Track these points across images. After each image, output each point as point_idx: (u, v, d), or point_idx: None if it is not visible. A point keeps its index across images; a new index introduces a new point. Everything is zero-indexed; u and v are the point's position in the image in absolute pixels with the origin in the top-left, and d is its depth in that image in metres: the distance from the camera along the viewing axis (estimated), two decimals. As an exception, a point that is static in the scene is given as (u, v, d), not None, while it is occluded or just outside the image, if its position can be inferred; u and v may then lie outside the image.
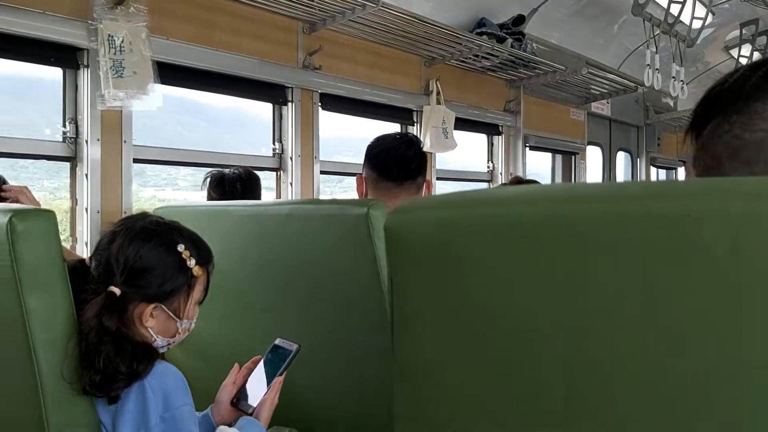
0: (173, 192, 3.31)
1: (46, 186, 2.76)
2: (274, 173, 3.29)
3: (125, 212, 2.56)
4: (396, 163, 2.20)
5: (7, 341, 1.21)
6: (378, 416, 1.78)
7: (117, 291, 1.26)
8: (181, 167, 3.25)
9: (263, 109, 3.40)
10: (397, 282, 0.70)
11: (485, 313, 0.60)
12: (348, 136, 4.07)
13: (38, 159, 2.53)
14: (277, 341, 1.56)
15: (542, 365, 0.58)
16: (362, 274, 1.76)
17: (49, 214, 1.24)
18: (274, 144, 3.28)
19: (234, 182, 2.64)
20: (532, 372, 0.59)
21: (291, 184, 3.24)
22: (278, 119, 3.28)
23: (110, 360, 1.20)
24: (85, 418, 1.22)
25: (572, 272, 0.55)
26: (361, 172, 2.25)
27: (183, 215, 1.48)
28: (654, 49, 4.75)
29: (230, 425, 1.50)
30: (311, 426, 1.76)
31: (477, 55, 3.97)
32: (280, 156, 3.27)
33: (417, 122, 3.99)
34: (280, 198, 3.26)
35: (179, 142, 2.92)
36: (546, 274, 0.56)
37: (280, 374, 1.49)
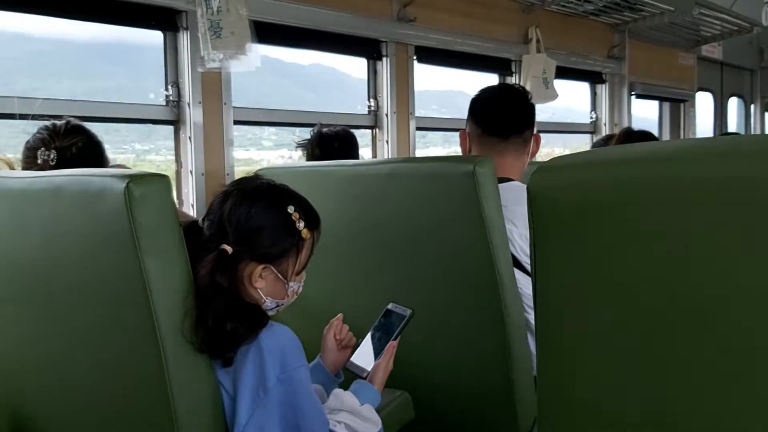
0: (258, 152, 3.33)
1: (137, 149, 2.84)
2: (369, 131, 3.25)
3: (227, 174, 2.60)
4: (500, 116, 2.10)
5: (129, 303, 1.23)
6: (491, 379, 1.74)
7: (229, 249, 1.27)
8: (266, 127, 3.26)
9: (349, 67, 3.37)
10: (542, 249, 0.64)
11: (652, 285, 0.53)
12: (443, 90, 3.97)
13: (143, 123, 2.59)
14: (390, 306, 1.55)
15: (713, 338, 0.51)
16: (469, 234, 1.71)
17: (164, 179, 1.25)
18: (368, 101, 3.23)
19: (331, 141, 2.62)
20: (701, 346, 0.52)
21: (387, 141, 3.19)
22: (372, 75, 3.23)
23: (220, 317, 1.21)
24: (205, 377, 1.24)
25: (754, 236, 0.47)
26: (464, 127, 2.18)
27: (283, 176, 1.47)
28: (773, -15, 4.35)
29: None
30: (421, 389, 1.74)
31: (579, -1, 3.76)
32: (375, 113, 3.23)
33: (516, 72, 3.83)
34: (376, 156, 3.22)
35: (263, 103, 2.91)
36: (728, 240, 0.48)
37: (394, 339, 1.48)
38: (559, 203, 0.59)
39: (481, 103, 2.13)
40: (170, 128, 2.61)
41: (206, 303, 1.22)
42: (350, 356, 1.51)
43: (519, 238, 1.89)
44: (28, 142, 1.87)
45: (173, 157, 2.68)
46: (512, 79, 3.84)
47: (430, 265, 1.80)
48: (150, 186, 1.20)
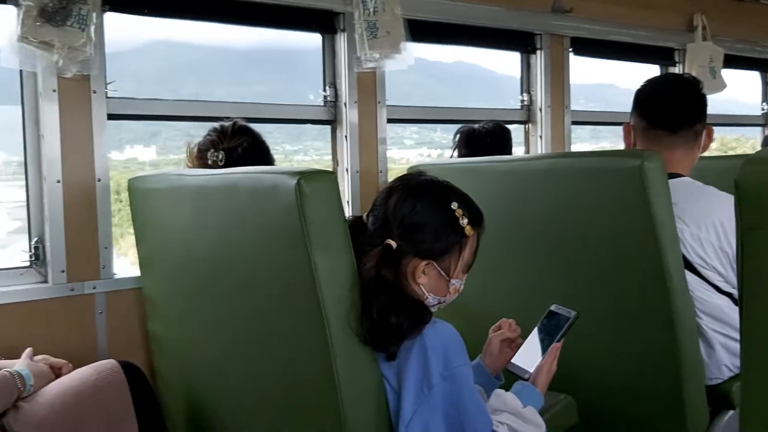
0: (399, 151, 3.34)
1: (287, 149, 2.94)
2: (522, 126, 3.18)
3: (381, 172, 2.64)
4: (668, 108, 1.97)
5: (298, 294, 1.28)
6: (659, 385, 1.64)
7: (393, 244, 1.29)
8: (408, 126, 3.26)
9: (492, 63, 3.30)
10: (750, 245, 0.58)
11: None
12: (591, 84, 3.79)
13: (303, 123, 2.70)
14: (553, 307, 1.50)
15: None
16: (636, 233, 1.62)
17: (332, 176, 1.29)
18: (521, 95, 3.15)
19: (483, 137, 2.59)
20: None
21: (540, 137, 3.11)
22: (525, 69, 3.15)
23: (385, 311, 1.23)
24: (370, 369, 1.27)
25: None
26: (626, 121, 2.07)
27: (435, 173, 1.46)
28: None
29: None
30: (585, 393, 1.67)
31: (750, -20, 3.45)
32: (528, 107, 3.15)
33: (680, 62, 3.59)
34: (528, 152, 3.14)
35: (406, 103, 2.92)
36: None
37: (558, 341, 1.43)
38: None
39: (647, 93, 2.00)
40: (318, 129, 2.70)
41: (371, 296, 1.24)
42: (512, 357, 1.48)
43: (690, 239, 1.77)
44: (197, 143, 2.00)
45: (319, 158, 2.78)
46: (676, 70, 3.60)
47: (592, 266, 1.73)
48: (319, 182, 1.25)
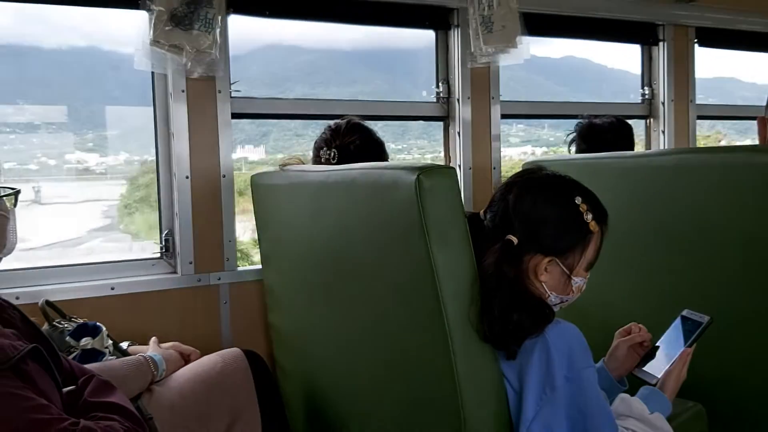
0: (504, 149, 3.26)
1: (391, 148, 2.94)
2: (643, 121, 3.04)
3: (494, 168, 2.61)
4: None
5: (417, 288, 1.28)
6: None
7: (514, 239, 1.26)
8: (513, 124, 3.19)
9: (604, 57, 3.20)
10: None
11: None
12: (710, 77, 3.57)
13: (416, 120, 2.70)
14: (685, 312, 1.44)
15: None
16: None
17: (451, 172, 1.28)
18: (642, 89, 3.02)
19: (604, 132, 2.49)
20: None
21: (663, 132, 2.96)
22: (647, 61, 3.01)
23: (506, 308, 1.21)
24: (490, 367, 1.25)
25: None
26: (762, 114, 1.92)
27: (554, 169, 1.42)
28: None
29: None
30: (715, 401, 1.58)
31: None
32: (650, 101, 3.01)
33: (817, 51, 3.33)
34: (650, 148, 3.00)
35: (512, 98, 2.86)
36: None
37: (689, 346, 1.35)
38: None
39: None
40: (422, 128, 2.71)
41: (492, 292, 1.22)
42: (639, 362, 1.42)
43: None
44: (316, 141, 2.05)
45: (422, 156, 2.77)
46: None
47: (724, 268, 1.62)
48: (439, 178, 1.24)
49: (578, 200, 1.28)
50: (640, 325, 1.48)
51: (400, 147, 3.01)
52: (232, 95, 2.17)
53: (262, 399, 1.62)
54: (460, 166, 2.56)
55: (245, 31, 2.26)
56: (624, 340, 1.47)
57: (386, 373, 1.47)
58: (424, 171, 1.24)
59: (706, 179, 1.68)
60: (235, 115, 2.19)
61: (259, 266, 2.07)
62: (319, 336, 1.77)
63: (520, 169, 1.69)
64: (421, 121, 2.71)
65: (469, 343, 1.23)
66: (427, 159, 2.81)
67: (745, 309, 1.58)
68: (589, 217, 1.28)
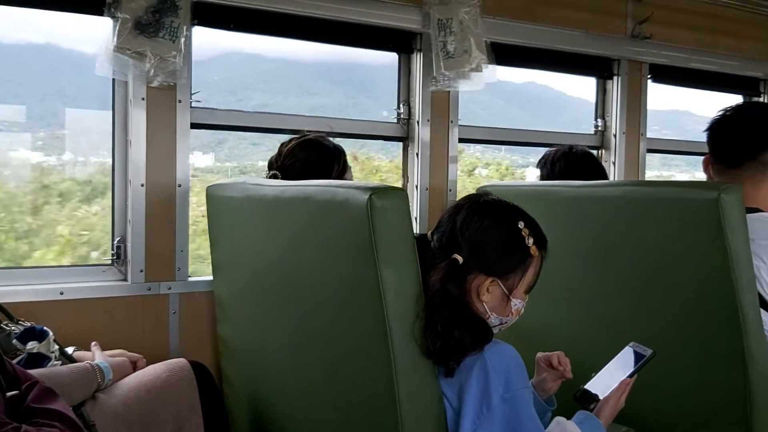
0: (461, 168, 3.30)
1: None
2: (595, 151, 3.13)
3: (450, 190, 2.66)
4: (726, 140, 1.90)
5: (363, 306, 1.31)
6: (726, 424, 1.59)
7: (460, 259, 1.31)
8: (471, 145, 3.24)
9: (564, 85, 3.29)
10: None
11: None
12: (665, 110, 3.70)
13: (376, 139, 2.74)
14: (631, 344, 1.51)
15: None
16: (709, 267, 1.58)
17: (402, 193, 1.32)
18: (596, 120, 3.12)
19: (556, 161, 2.54)
20: None
21: (614, 163, 3.06)
22: (601, 94, 3.12)
23: (448, 323, 1.25)
24: (431, 385, 1.29)
25: None
26: (702, 150, 2.01)
27: (506, 195, 1.47)
28: None
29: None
30: (647, 427, 1.64)
31: None
32: (602, 133, 3.11)
33: (764, 92, 3.48)
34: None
35: (474, 122, 2.92)
36: None
37: (630, 376, 1.42)
38: None
39: (710, 125, 1.95)
40: (380, 146, 2.77)
41: (436, 309, 1.27)
42: (580, 388, 1.47)
43: (767, 275, 1.71)
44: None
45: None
46: (760, 100, 3.49)
47: (662, 298, 1.69)
48: (390, 199, 1.28)
49: (521, 225, 1.34)
50: (561, 356, 1.51)
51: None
52: (192, 105, 2.18)
53: (206, 409, 1.63)
54: (417, 187, 2.61)
55: (206, 37, 2.26)
56: (552, 373, 1.51)
57: (329, 388, 1.49)
58: (377, 191, 1.27)
59: (650, 212, 1.74)
60: (194, 125, 2.19)
61: (211, 277, 2.07)
62: (266, 350, 1.78)
63: (474, 192, 1.74)
64: (381, 140, 2.76)
65: (410, 361, 1.26)
66: (384, 178, 2.85)
67: (680, 339, 1.64)
68: (530, 241, 1.34)
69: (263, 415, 1.79)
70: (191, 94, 2.17)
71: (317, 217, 1.48)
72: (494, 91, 3.24)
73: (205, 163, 2.64)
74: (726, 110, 1.95)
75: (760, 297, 1.64)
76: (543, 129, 3.11)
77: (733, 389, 1.56)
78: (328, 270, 1.45)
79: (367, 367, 1.33)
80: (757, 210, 1.80)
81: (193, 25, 2.14)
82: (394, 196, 1.29)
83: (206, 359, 1.88)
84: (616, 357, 1.49)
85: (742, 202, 1.56)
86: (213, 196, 1.98)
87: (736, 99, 3.55)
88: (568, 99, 3.61)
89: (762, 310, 1.65)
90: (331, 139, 2.11)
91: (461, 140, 2.73)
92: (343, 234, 1.37)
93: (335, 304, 1.43)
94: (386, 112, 2.70)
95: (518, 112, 3.68)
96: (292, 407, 1.67)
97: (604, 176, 2.49)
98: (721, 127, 1.93)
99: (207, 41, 2.28)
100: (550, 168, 2.38)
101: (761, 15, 3.38)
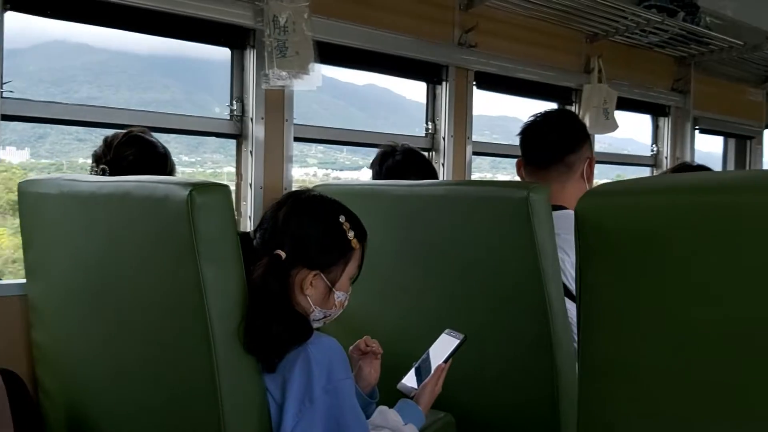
0: (301, 169, 3.34)
1: (183, 161, 2.91)
2: (426, 153, 3.27)
3: (286, 189, 2.66)
4: (534, 144, 2.08)
5: (184, 305, 1.29)
6: (537, 406, 1.72)
7: (282, 254, 1.33)
8: (313, 145, 3.29)
9: (403, 88, 3.41)
10: (587, 273, 0.65)
11: (700, 311, 0.54)
12: (496, 116, 3.97)
13: (208, 136, 2.68)
14: (446, 330, 1.59)
15: (750, 366, 0.52)
16: (520, 260, 1.70)
17: (225, 188, 1.30)
18: (426, 123, 3.26)
19: (383, 161, 2.62)
20: (740, 372, 0.52)
21: (443, 164, 3.21)
22: (431, 98, 3.26)
23: (267, 319, 1.26)
24: (253, 381, 1.29)
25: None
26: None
27: (338, 194, 1.51)
28: None
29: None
30: (466, 412, 1.74)
31: (644, 30, 3.71)
32: (432, 136, 3.26)
33: (576, 102, 3.82)
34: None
35: (316, 121, 2.95)
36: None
37: (444, 362, 1.49)
38: (605, 228, 0.60)
39: (521, 130, 2.12)
40: (219, 142, 2.71)
41: (257, 305, 1.27)
42: (402, 378, 1.53)
43: (571, 268, 1.88)
44: (93, 152, 1.95)
45: (215, 171, 2.76)
46: (572, 109, 3.82)
47: (480, 290, 1.81)
48: (211, 195, 1.26)
49: (342, 219, 1.39)
50: (367, 339, 1.58)
51: (193, 160, 2.95)
52: (4, 95, 2.01)
53: (18, 421, 1.51)
54: (251, 185, 2.58)
55: (25, 24, 2.09)
56: (363, 359, 1.56)
57: (150, 389, 1.45)
58: (197, 187, 1.25)
59: (468, 209, 1.85)
60: (6, 117, 2.02)
61: (23, 280, 1.92)
62: (85, 356, 1.68)
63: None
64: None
65: (232, 358, 1.25)
66: (222, 174, 2.79)
67: (493, 328, 1.76)
68: (351, 234, 1.38)
69: (82, 421, 1.69)
70: (2, 83, 1.99)
71: (136, 215, 1.42)
72: (336, 91, 3.29)
73: (19, 159, 2.44)
74: (536, 116, 2.12)
75: (565, 287, 1.81)
76: (379, 130, 3.21)
77: (541, 373, 1.70)
78: (148, 269, 1.40)
79: (188, 365, 1.31)
80: (563, 207, 1.98)
81: (6, 9, 1.98)
82: (215, 192, 1.27)
83: (20, 367, 1.76)
84: (434, 344, 1.57)
85: (549, 200, 1.70)
86: (25, 193, 1.84)
87: (554, 106, 3.86)
88: (406, 102, 3.73)
89: (566, 299, 1.81)
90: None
91: (297, 139, 2.73)
92: (163, 231, 1.33)
93: (155, 304, 1.39)
94: (218, 109, 2.65)
95: (359, 113, 3.76)
96: (112, 411, 1.59)
97: (433, 171, 2.60)
98: (531, 132, 2.10)
99: (25, 28, 2.11)
100: (378, 168, 2.45)
101: (574, 30, 3.71)
